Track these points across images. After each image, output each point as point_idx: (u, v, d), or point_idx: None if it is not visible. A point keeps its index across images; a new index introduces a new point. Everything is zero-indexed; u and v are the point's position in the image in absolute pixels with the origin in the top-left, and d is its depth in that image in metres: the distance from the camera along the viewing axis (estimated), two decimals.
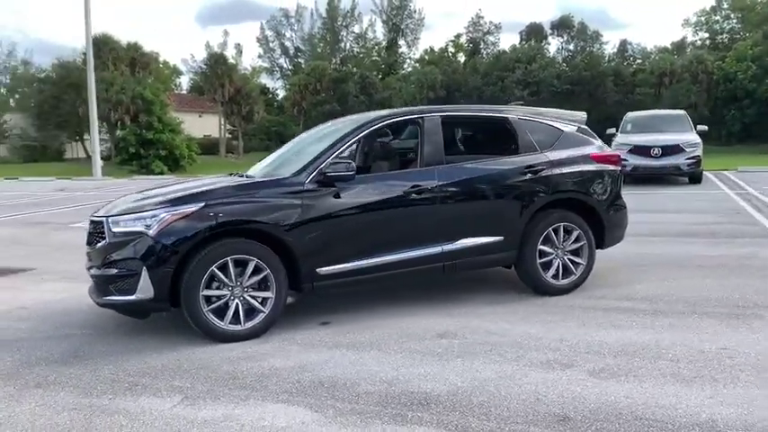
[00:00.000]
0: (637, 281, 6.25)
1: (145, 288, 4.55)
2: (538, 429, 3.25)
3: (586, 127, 6.23)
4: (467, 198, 5.47)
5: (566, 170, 5.79)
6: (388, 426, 3.33)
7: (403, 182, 5.30)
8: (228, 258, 4.68)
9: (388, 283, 5.51)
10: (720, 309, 5.24)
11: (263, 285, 4.83)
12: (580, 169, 5.86)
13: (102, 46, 41.37)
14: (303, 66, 59.22)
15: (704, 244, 8.17)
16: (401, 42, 65.96)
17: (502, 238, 5.54)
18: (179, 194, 4.89)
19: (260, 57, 65.52)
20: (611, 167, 6.09)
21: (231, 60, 52.56)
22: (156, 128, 39.60)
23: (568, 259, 5.82)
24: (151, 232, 4.57)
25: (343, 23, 64.40)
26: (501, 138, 5.92)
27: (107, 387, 3.97)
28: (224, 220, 4.67)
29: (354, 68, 57.95)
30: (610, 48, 53.70)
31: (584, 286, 5.95)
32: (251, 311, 4.80)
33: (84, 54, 42.23)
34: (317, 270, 4.95)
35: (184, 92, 65.73)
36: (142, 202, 4.90)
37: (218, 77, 47.56)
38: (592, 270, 5.98)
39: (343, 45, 65.29)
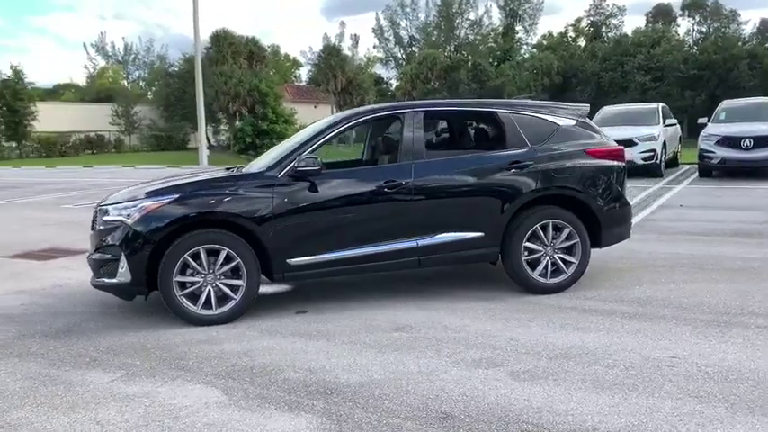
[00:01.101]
0: (640, 282, 5.97)
1: (124, 272, 5.00)
2: (413, 425, 3.31)
3: (587, 120, 6.00)
4: (445, 193, 5.48)
5: (555, 165, 5.63)
6: (278, 412, 3.51)
7: (376, 176, 5.41)
8: (200, 247, 5.02)
9: (363, 274, 5.65)
10: (707, 315, 4.93)
11: (235, 274, 5.13)
12: (573, 165, 5.67)
13: (222, 41, 43.72)
14: (417, 55, 59.47)
15: (746, 245, 7.57)
16: (518, 28, 64.45)
17: (482, 233, 5.50)
18: (158, 187, 5.29)
19: (375, 47, 66.49)
20: (610, 162, 5.84)
21: (347, 52, 53.95)
22: (271, 119, 41.42)
23: (559, 257, 5.67)
24: (129, 221, 5.00)
25: (459, 11, 63.90)
26: (487, 133, 5.86)
27: (71, 360, 4.43)
28: (193, 212, 5.01)
29: (469, 56, 57.45)
30: (749, 28, 49.57)
31: (578, 286, 5.77)
32: (223, 298, 5.13)
33: (207, 49, 45.05)
34: (288, 261, 5.18)
35: (303, 83, 68.08)
36: (133, 193, 5.35)
37: (330, 69, 48.94)
38: (586, 269, 5.78)
39: (457, 33, 64.84)
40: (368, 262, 5.36)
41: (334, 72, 49.11)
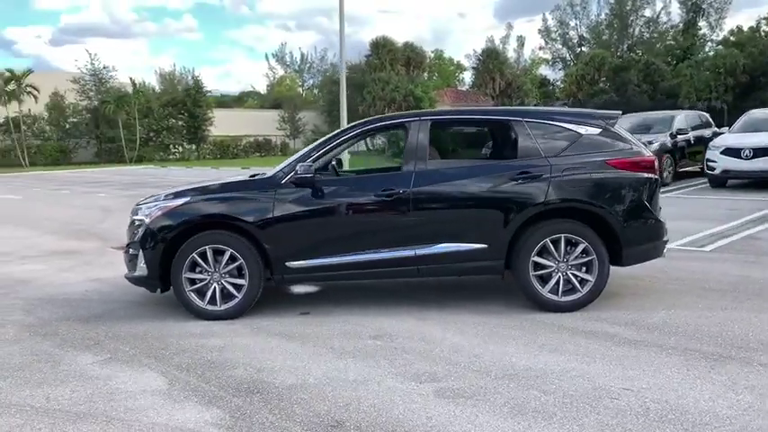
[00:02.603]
0: (669, 306, 5.43)
1: (141, 267, 5.52)
2: (300, 430, 3.38)
3: (616, 129, 5.56)
4: (445, 203, 5.39)
5: (570, 177, 5.31)
6: (196, 404, 3.75)
7: (375, 184, 5.47)
8: (207, 247, 5.41)
9: (362, 280, 5.71)
10: (711, 348, 4.41)
11: (239, 273, 5.47)
12: (590, 176, 5.31)
13: (381, 48, 45.12)
14: (587, 55, 57.21)
15: None
16: (701, 24, 59.55)
17: (486, 245, 5.34)
18: (175, 190, 5.76)
19: (541, 48, 64.89)
20: (636, 174, 5.37)
21: (512, 54, 53.26)
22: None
23: (573, 274, 5.34)
24: (147, 221, 5.51)
25: (633, 8, 60.47)
26: (499, 142, 5.66)
27: (77, 342, 5.01)
28: (199, 214, 5.42)
29: (643, 55, 54.19)
30: None
31: (597, 305, 5.40)
32: (228, 295, 5.48)
33: (367, 56, 46.77)
34: (287, 264, 5.41)
35: (465, 87, 68.21)
36: (160, 194, 5.87)
37: (489, 72, 48.65)
38: (603, 288, 5.38)
39: (631, 31, 61.43)
40: (366, 269, 5.43)
41: (493, 75, 48.74)
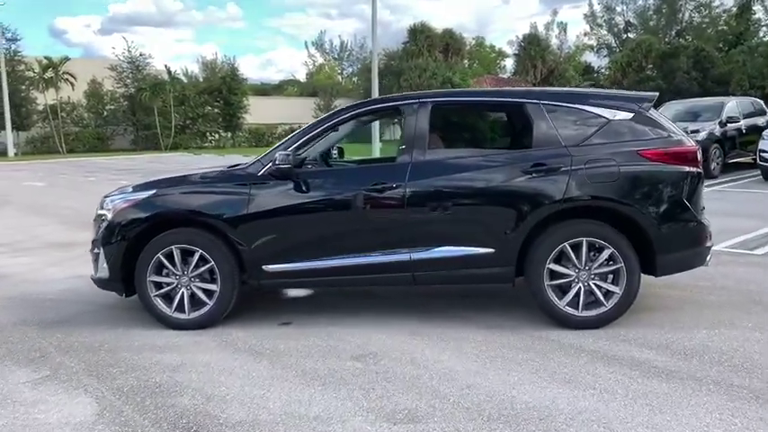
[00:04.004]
0: (712, 325, 4.58)
1: (103, 268, 4.90)
2: None
3: (652, 114, 4.69)
4: (445, 199, 4.60)
5: (594, 170, 4.47)
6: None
7: (365, 177, 4.72)
8: (174, 247, 4.75)
9: (348, 287, 4.99)
10: (757, 382, 3.58)
11: (211, 277, 4.80)
12: (618, 169, 4.46)
13: (419, 34, 44.17)
14: (633, 41, 55.29)
15: None
16: (756, 8, 56.85)
17: (493, 250, 4.56)
18: (142, 181, 5.12)
19: (586, 34, 62.94)
20: (674, 168, 4.51)
21: (554, 40, 51.67)
22: (455, 120, 41.07)
23: (596, 285, 4.52)
24: (109, 216, 4.88)
25: None
26: (511, 129, 4.87)
27: (20, 355, 4.40)
28: (162, 210, 4.76)
29: (693, 41, 52.09)
30: None
31: (624, 321, 4.59)
32: (198, 302, 4.82)
33: (404, 43, 45.89)
34: (264, 267, 4.72)
35: (507, 75, 66.67)
36: (126, 186, 5.24)
37: (530, 58, 47.29)
38: (633, 301, 4.55)
39: (680, 16, 59.16)
40: (353, 274, 4.71)
41: (535, 62, 47.35)
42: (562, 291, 4.59)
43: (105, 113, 42.04)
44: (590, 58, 61.97)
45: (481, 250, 4.56)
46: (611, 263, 4.50)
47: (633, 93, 4.77)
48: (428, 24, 44.91)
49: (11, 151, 35.07)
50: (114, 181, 18.86)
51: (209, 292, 4.79)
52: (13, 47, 38.59)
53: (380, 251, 4.64)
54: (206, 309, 4.80)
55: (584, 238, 4.48)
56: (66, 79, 37.87)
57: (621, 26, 61.79)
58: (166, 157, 32.00)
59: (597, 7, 61.53)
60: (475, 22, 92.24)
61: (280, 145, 4.88)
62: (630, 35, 59.58)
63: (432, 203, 4.59)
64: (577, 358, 4.02)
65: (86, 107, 41.23)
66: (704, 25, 57.67)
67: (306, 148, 4.84)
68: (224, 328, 4.79)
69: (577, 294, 4.53)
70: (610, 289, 4.52)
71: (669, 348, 4.16)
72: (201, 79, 49.51)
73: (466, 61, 50.39)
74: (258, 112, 44.41)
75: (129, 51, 41.89)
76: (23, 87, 37.96)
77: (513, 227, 4.51)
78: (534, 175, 4.50)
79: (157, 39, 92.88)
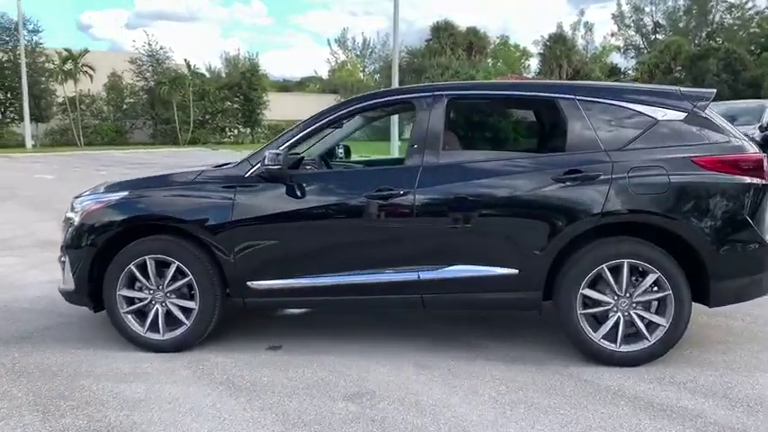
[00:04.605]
0: (763, 364, 3.86)
1: (68, 278, 4.29)
2: None
3: (708, 114, 3.96)
4: (461, 210, 3.91)
5: (639, 179, 3.77)
6: None
7: (368, 182, 4.04)
8: (147, 257, 4.13)
9: (347, 310, 4.33)
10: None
11: (189, 293, 4.18)
12: (668, 179, 3.75)
13: (443, 32, 43.43)
14: (661, 42, 54.15)
15: None
16: None
17: (516, 270, 3.87)
18: (115, 181, 4.50)
19: (613, 35, 61.80)
20: (735, 178, 3.78)
21: (580, 40, 50.67)
22: (486, 112, 40.27)
23: (638, 315, 3.82)
24: (76, 220, 4.27)
25: None
26: (540, 129, 4.19)
27: None
28: (132, 214, 4.14)
29: (723, 43, 50.90)
30: None
31: (670, 359, 3.90)
32: (175, 321, 4.20)
33: (427, 41, 45.17)
34: (249, 284, 4.08)
35: (532, 75, 65.63)
36: (98, 186, 4.62)
37: (555, 58, 46.37)
38: (681, 335, 3.84)
39: (711, 17, 57.86)
40: (352, 295, 4.05)
41: (560, 62, 46.41)
42: (597, 321, 3.90)
43: (125, 107, 41.79)
44: (616, 59, 60.81)
45: (503, 271, 3.88)
46: (656, 289, 3.80)
47: (687, 88, 4.05)
48: (452, 22, 44.15)
49: (29, 143, 34.89)
50: (126, 175, 18.38)
51: (186, 311, 4.17)
52: (35, 38, 38.47)
53: (384, 269, 3.98)
54: (183, 329, 4.17)
55: (626, 260, 3.77)
56: (86, 71, 37.62)
57: (650, 27, 60.66)
58: (183, 152, 31.59)
59: (625, 7, 60.40)
60: (499, 20, 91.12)
61: (269, 144, 4.23)
62: (659, 36, 58.46)
63: (445, 214, 3.91)
64: (616, 406, 3.33)
65: (106, 100, 41.01)
66: (735, 27, 56.37)
67: (301, 147, 4.19)
68: (202, 352, 4.16)
69: (616, 326, 3.83)
70: (654, 320, 3.81)
71: (727, 396, 3.44)
72: (224, 75, 49.18)
73: (489, 60, 49.56)
74: (278, 108, 43.90)
75: (149, 45, 41.60)
76: (43, 79, 37.78)
77: (541, 244, 3.82)
78: (568, 183, 3.80)
79: (182, 34, 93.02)
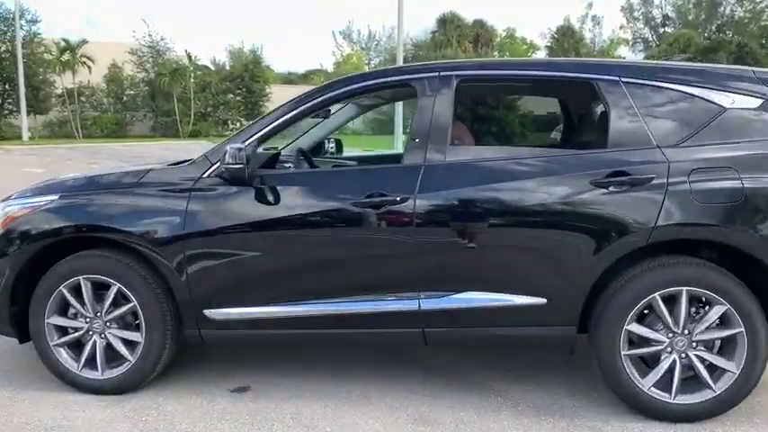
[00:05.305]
0: None
1: None
2: None
3: None
4: (474, 221, 3.08)
5: (703, 184, 2.93)
6: None
7: (357, 185, 3.20)
8: (82, 278, 3.31)
9: (329, 346, 3.50)
10: None
11: (134, 323, 3.36)
12: (741, 184, 2.91)
13: (449, 24, 42.57)
14: (671, 35, 53.21)
15: None
16: None
17: (543, 300, 3.04)
18: (42, 183, 3.68)
19: (621, 28, 60.88)
20: None
21: (588, 33, 49.76)
22: (491, 104, 39.33)
23: (699, 358, 2.98)
24: None
25: None
26: (575, 119, 3.33)
27: None
28: (65, 224, 3.32)
29: (734, 36, 50.01)
30: None
31: (738, 415, 3.04)
32: (116, 356, 3.38)
33: (432, 33, 44.30)
34: (206, 312, 3.25)
35: None
36: (25, 189, 3.78)
37: (563, 51, 45.45)
38: (756, 384, 3.00)
39: (721, 10, 56.96)
40: (335, 327, 3.23)
41: (568, 55, 45.41)
42: (646, 364, 3.08)
43: (125, 98, 41.00)
44: (624, 52, 59.76)
45: (527, 300, 3.05)
46: (723, 326, 2.96)
47: (763, 69, 3.19)
48: (458, 14, 43.22)
49: (25, 135, 34.14)
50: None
51: (131, 344, 3.36)
52: (34, 29, 37.66)
53: (376, 295, 3.16)
54: (126, 367, 3.36)
55: (685, 288, 2.94)
56: (84, 62, 36.82)
57: (659, 20, 59.74)
58: (179, 145, 30.78)
59: (634, 1, 59.40)
60: (506, 12, 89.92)
61: (235, 134, 3.39)
62: (668, 29, 57.56)
63: (453, 226, 3.07)
64: None
65: (106, 92, 40.23)
66: (746, 20, 55.39)
67: (272, 140, 3.36)
68: (149, 396, 3.35)
69: (670, 370, 3.00)
70: (720, 364, 2.98)
71: None
72: (228, 68, 48.33)
73: (496, 53, 48.60)
74: (282, 100, 42.74)
75: (149, 35, 40.79)
76: (41, 70, 37.00)
77: (576, 266, 3.00)
78: (612, 189, 2.96)
79: (187, 26, 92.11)
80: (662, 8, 59.59)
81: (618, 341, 3.00)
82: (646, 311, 3.02)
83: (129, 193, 3.33)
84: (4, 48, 35.86)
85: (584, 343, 3.16)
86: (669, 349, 3.01)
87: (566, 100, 4.05)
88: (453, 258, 3.09)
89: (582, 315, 3.08)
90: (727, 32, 53.21)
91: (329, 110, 3.93)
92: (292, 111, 3.36)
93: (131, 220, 3.25)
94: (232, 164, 3.09)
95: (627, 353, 3.02)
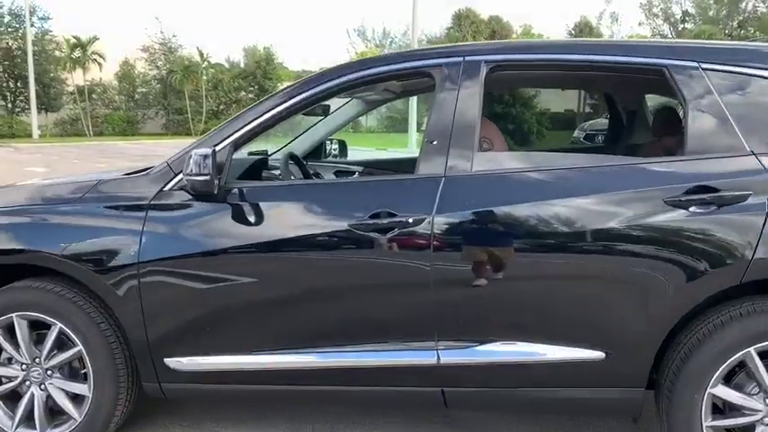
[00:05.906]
0: None
1: None
2: None
3: None
4: (508, 250, 2.37)
5: None
6: None
7: (359, 202, 2.49)
8: (15, 316, 2.64)
9: (324, 405, 2.80)
10: None
11: (82, 371, 2.69)
12: None
13: (464, 20, 42.04)
14: (691, 32, 52.26)
15: None
16: None
17: (602, 353, 2.32)
18: None
19: (640, 24, 60.04)
20: None
21: (606, 30, 48.93)
22: (507, 101, 38.51)
23: None
24: None
25: None
26: (638, 116, 2.57)
27: None
28: None
29: (756, 32, 49.11)
30: None
31: None
32: (59, 412, 2.71)
33: (448, 29, 43.63)
34: (166, 361, 2.57)
35: None
36: None
37: None
38: None
39: (743, 5, 56.04)
40: (330, 383, 2.54)
41: None
42: None
43: (137, 96, 40.68)
44: None
45: (578, 353, 2.33)
46: None
47: None
48: (474, 10, 42.60)
49: (35, 133, 33.81)
50: (129, 169, 17.08)
51: (77, 398, 2.68)
52: (45, 26, 37.40)
53: (382, 344, 2.45)
54: (72, 426, 2.68)
55: None
56: (95, 60, 36.48)
57: (678, 16, 58.89)
58: (188, 143, 30.22)
59: None
60: (523, 9, 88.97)
61: (204, 138, 2.71)
62: (688, 26, 56.68)
63: (481, 257, 2.36)
64: None
65: (118, 89, 39.93)
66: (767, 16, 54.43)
67: (250, 142, 2.67)
68: None
69: None
70: None
71: None
72: (243, 65, 48.04)
73: None
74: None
75: (161, 32, 40.45)
76: (52, 68, 36.71)
77: (646, 311, 2.26)
78: (694, 209, 2.23)
79: (205, 24, 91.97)
80: (681, 4, 58.68)
81: (699, 408, 2.28)
82: (736, 371, 2.29)
83: (72, 211, 2.65)
84: (15, 45, 35.57)
85: (648, 405, 2.45)
86: (765, 419, 2.28)
87: (625, 92, 3.30)
88: (481, 298, 2.38)
89: (652, 375, 2.36)
90: (749, 29, 52.29)
91: (327, 105, 3.23)
92: (278, 106, 2.65)
93: (73, 245, 2.57)
94: (196, 174, 2.40)
95: (711, 424, 2.29)
